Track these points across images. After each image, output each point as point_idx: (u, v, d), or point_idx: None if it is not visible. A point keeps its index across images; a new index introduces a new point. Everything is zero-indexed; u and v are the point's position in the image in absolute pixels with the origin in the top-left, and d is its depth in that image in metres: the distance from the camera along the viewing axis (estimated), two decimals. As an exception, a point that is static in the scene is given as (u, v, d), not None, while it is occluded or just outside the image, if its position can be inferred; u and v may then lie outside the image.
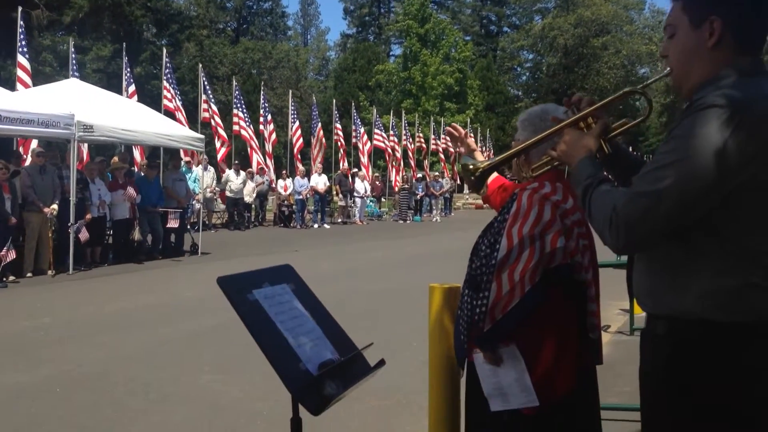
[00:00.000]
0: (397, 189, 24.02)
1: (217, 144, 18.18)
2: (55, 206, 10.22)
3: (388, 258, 12.69)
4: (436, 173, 25.98)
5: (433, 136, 28.71)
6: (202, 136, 12.73)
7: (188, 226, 13.69)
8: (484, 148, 32.19)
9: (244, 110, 19.74)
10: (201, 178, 15.46)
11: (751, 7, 1.66)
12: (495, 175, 3.37)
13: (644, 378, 1.79)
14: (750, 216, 1.57)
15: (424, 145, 27.63)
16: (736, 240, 1.59)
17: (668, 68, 1.79)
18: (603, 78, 48.82)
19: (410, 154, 26.43)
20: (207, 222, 16.78)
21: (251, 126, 19.71)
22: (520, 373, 2.29)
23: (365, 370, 2.30)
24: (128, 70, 16.68)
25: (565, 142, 1.93)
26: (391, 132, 25.34)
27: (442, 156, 28.80)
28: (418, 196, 23.68)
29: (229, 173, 17.94)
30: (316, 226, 19.53)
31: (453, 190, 27.59)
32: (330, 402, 1.96)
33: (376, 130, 24.31)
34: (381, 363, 2.42)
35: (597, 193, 1.74)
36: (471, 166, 2.21)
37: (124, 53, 16.90)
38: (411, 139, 26.96)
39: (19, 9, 13.16)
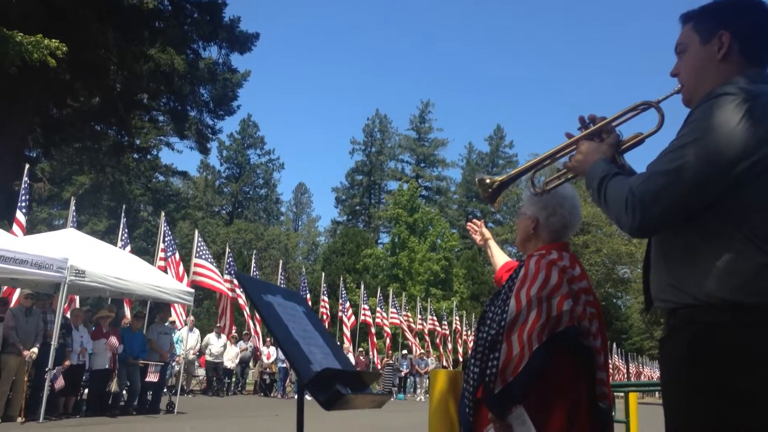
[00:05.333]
0: (380, 365, 23.50)
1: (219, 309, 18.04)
2: (35, 350, 9.97)
3: (376, 427, 12.19)
4: (422, 351, 25.57)
5: (419, 318, 28.68)
6: (192, 290, 12.74)
7: (165, 388, 13.25)
8: (468, 332, 32.08)
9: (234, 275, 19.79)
10: (185, 339, 15.20)
11: (758, 22, 1.79)
12: (506, 258, 3.46)
13: (664, 374, 1.74)
14: (763, 198, 1.61)
15: (413, 325, 27.46)
16: (752, 222, 1.61)
17: (679, 85, 1.89)
18: (585, 275, 49.83)
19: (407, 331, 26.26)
20: (185, 387, 16.22)
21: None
22: None
23: (371, 391, 2.27)
24: (125, 231, 16.88)
25: (581, 152, 1.99)
26: (378, 309, 25.33)
27: (427, 338, 28.60)
28: (402, 374, 23.09)
29: (210, 336, 17.63)
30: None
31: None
32: (340, 399, 1.93)
33: (364, 306, 24.36)
34: (389, 393, 2.38)
35: (613, 182, 1.78)
36: (488, 180, 2.25)
37: (121, 226, 16.74)
38: (398, 319, 26.93)
39: (24, 179, 13.40)
